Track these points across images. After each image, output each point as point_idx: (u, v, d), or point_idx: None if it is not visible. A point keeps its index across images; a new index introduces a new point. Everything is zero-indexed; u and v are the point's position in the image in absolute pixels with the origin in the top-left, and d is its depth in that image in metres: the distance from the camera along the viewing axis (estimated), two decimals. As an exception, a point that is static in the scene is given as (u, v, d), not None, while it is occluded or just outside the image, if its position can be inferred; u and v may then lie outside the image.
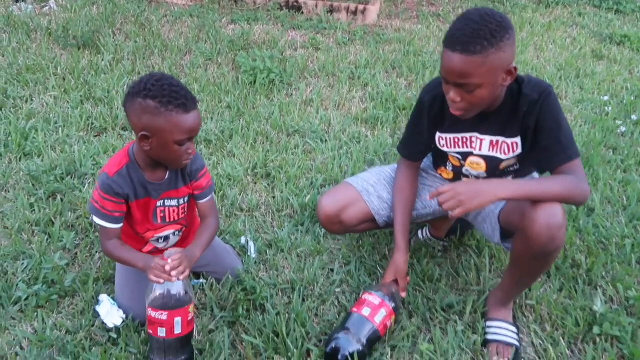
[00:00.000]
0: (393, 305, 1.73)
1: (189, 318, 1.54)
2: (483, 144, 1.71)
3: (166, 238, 1.75)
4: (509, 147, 1.68)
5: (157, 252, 1.74)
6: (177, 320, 1.51)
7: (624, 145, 2.97)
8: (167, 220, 1.69)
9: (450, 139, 1.76)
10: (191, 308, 1.55)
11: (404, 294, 1.81)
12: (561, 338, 1.79)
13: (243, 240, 2.11)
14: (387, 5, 5.16)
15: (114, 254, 1.62)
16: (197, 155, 1.68)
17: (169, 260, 1.49)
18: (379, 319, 1.68)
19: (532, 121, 1.58)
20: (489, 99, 1.53)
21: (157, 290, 1.51)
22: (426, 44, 4.29)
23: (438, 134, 1.79)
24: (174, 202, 1.68)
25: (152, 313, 1.51)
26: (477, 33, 1.41)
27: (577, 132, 3.07)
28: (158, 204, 1.65)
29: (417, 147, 1.89)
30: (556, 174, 1.57)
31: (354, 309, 1.70)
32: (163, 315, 1.49)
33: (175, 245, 1.79)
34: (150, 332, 1.53)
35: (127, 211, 1.63)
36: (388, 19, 4.85)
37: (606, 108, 3.40)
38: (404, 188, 1.89)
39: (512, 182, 1.57)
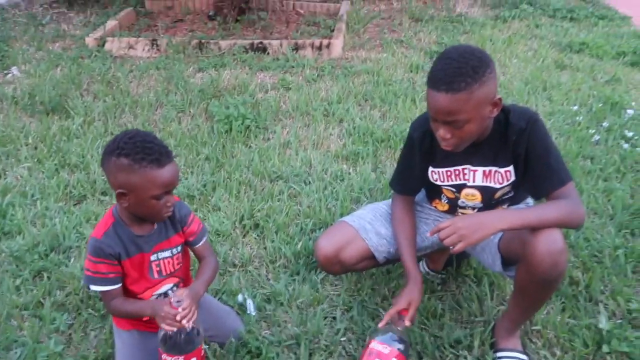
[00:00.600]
0: (402, 346, 1.69)
1: (202, 354, 1.60)
2: (476, 175, 1.72)
3: (166, 296, 1.70)
4: (502, 176, 1.69)
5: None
6: None
7: (600, 154, 3.02)
8: (164, 273, 1.67)
9: (443, 172, 1.77)
10: (203, 345, 1.60)
11: (408, 323, 1.72)
12: (572, 361, 1.79)
13: (240, 298, 2.07)
14: (350, 37, 5.23)
15: (120, 310, 1.61)
16: (181, 202, 1.70)
17: (180, 309, 1.49)
18: None
19: (522, 149, 1.60)
20: (477, 131, 1.57)
21: (170, 335, 1.51)
22: (394, 72, 4.35)
23: (430, 169, 1.80)
24: (167, 254, 1.66)
25: (167, 357, 1.53)
26: (459, 71, 1.44)
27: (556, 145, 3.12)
28: (152, 257, 1.63)
29: (410, 183, 1.90)
30: (550, 199, 1.59)
31: None
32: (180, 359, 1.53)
33: None
34: None
35: (123, 272, 1.60)
36: (353, 51, 4.91)
37: (577, 118, 3.47)
38: (403, 220, 1.89)
39: (510, 213, 1.59)
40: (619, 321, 1.94)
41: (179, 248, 1.69)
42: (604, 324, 1.89)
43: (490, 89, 1.50)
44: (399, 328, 1.71)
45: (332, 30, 5.23)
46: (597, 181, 2.77)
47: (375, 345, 1.68)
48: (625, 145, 3.10)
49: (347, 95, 3.88)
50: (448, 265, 2.22)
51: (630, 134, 3.20)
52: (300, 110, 3.67)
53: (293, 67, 4.50)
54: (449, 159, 1.74)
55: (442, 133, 1.57)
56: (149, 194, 1.47)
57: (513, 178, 1.69)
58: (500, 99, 1.54)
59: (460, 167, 1.74)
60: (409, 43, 5.07)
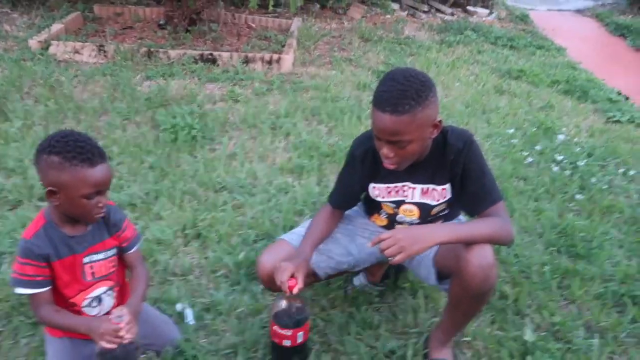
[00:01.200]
0: (303, 317, 1.78)
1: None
2: (415, 192, 1.80)
3: (99, 300, 1.69)
4: (439, 194, 1.77)
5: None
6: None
7: (532, 175, 3.19)
8: (97, 276, 1.65)
9: (383, 189, 1.84)
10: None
11: (296, 291, 1.68)
12: (498, 371, 1.88)
13: (179, 307, 2.07)
14: (301, 53, 5.31)
15: (51, 321, 1.58)
16: (115, 207, 1.70)
17: (122, 324, 1.49)
18: (300, 339, 1.78)
19: (459, 168, 1.69)
20: (419, 151, 1.64)
21: (107, 350, 1.50)
22: (342, 89, 4.44)
23: (372, 185, 1.86)
24: (101, 256, 1.65)
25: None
26: (403, 94, 1.50)
27: (489, 166, 3.26)
28: (85, 260, 1.61)
29: (346, 198, 1.96)
30: (482, 216, 1.67)
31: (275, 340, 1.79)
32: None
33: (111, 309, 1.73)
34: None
35: (53, 275, 1.58)
36: (303, 66, 4.99)
37: (513, 140, 3.65)
38: (323, 223, 1.93)
39: (447, 227, 1.67)
40: (544, 333, 2.05)
41: (113, 251, 1.68)
42: (529, 336, 2.00)
43: (432, 111, 1.56)
44: (297, 304, 1.76)
45: (283, 46, 5.29)
46: (528, 201, 2.92)
47: (278, 329, 1.77)
48: (556, 168, 3.28)
49: (295, 109, 3.94)
50: (386, 278, 2.28)
51: (560, 157, 3.40)
52: (247, 122, 3.70)
53: (242, 79, 4.53)
54: (390, 176, 1.81)
55: (385, 152, 1.63)
56: (79, 193, 1.47)
57: (449, 195, 1.78)
58: (440, 121, 1.61)
59: (400, 184, 1.81)
60: (358, 62, 5.19)
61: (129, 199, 2.74)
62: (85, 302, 1.65)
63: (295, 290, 1.66)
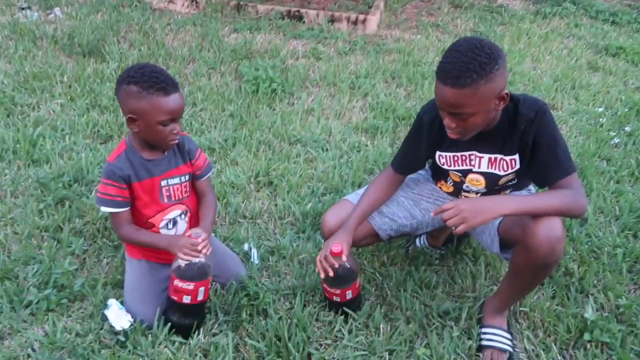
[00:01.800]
0: (351, 274, 1.83)
1: (209, 287, 1.77)
2: (482, 162, 1.78)
3: (175, 223, 1.83)
4: (507, 164, 1.74)
5: None
6: (201, 289, 1.72)
7: (617, 157, 3.04)
8: (173, 199, 1.80)
9: (449, 157, 1.83)
10: (211, 277, 1.76)
11: (345, 258, 1.79)
12: (553, 344, 1.86)
13: (246, 246, 2.18)
14: (387, 15, 5.24)
15: (132, 238, 1.75)
16: (189, 137, 1.85)
17: (199, 240, 1.67)
18: (350, 294, 1.86)
19: (530, 139, 1.64)
20: (483, 123, 1.61)
21: (184, 264, 1.67)
22: (425, 54, 4.37)
23: (438, 153, 1.85)
24: (176, 180, 1.80)
25: (180, 283, 1.68)
26: (466, 66, 1.47)
27: (571, 143, 3.14)
28: (162, 183, 1.76)
29: (410, 163, 1.96)
30: (554, 188, 1.63)
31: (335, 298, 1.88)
32: (190, 286, 1.68)
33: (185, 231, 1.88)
34: (175, 298, 1.71)
35: (133, 197, 1.73)
36: (388, 29, 4.93)
37: (600, 119, 3.48)
38: (380, 190, 1.95)
39: (513, 199, 1.62)
40: (606, 314, 2.00)
41: (187, 177, 1.82)
42: (589, 314, 1.95)
43: (497, 84, 1.51)
44: (346, 264, 1.80)
45: (370, 7, 5.24)
46: (609, 182, 2.79)
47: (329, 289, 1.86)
48: (644, 152, 3.11)
49: (375, 71, 3.93)
50: (448, 242, 2.29)
51: (651, 141, 3.21)
52: (327, 80, 3.74)
53: (326, 38, 4.55)
54: (456, 145, 1.79)
55: (447, 122, 1.62)
56: (155, 120, 1.60)
57: (518, 166, 1.74)
58: (507, 94, 1.57)
59: (467, 153, 1.79)
60: (445, 28, 5.06)
61: (208, 144, 2.88)
62: (162, 223, 1.80)
63: (343, 257, 1.78)
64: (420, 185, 2.04)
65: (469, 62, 1.47)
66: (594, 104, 3.73)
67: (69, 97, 3.28)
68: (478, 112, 1.55)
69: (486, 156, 1.76)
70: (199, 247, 1.66)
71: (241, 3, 5.00)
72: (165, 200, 1.78)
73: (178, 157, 1.80)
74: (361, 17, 4.84)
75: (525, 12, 5.82)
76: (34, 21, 4.47)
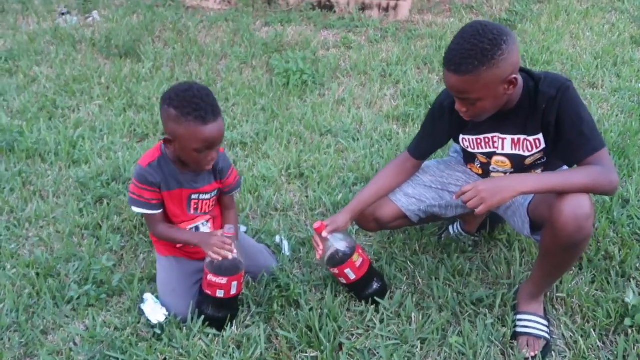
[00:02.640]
0: (347, 251, 1.84)
1: (242, 281, 1.79)
2: (505, 143, 1.74)
3: (197, 229, 1.87)
4: (531, 144, 1.70)
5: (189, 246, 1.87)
6: (234, 284, 1.75)
7: (662, 134, 2.91)
8: (200, 211, 1.84)
9: (473, 140, 1.80)
10: (244, 272, 1.79)
11: (325, 234, 1.82)
12: (592, 330, 1.81)
13: (277, 239, 2.20)
14: (420, 0, 5.15)
15: (166, 235, 1.80)
16: (224, 155, 1.85)
17: (231, 235, 1.71)
18: (358, 263, 1.86)
19: (552, 117, 1.60)
20: (493, 107, 1.60)
21: (217, 262, 1.71)
22: (458, 37, 4.28)
23: (461, 136, 1.83)
24: (206, 196, 1.84)
25: (213, 278, 1.72)
26: (467, 53, 1.46)
27: (612, 122, 3.03)
28: (193, 196, 1.80)
29: (428, 148, 1.94)
30: (583, 165, 1.59)
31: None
32: (223, 280, 1.72)
33: None
34: (209, 292, 1.75)
35: (164, 201, 1.78)
36: (420, 14, 4.86)
37: (644, 96, 3.34)
38: (391, 175, 1.94)
39: (533, 177, 1.60)
40: (649, 299, 1.93)
41: (216, 192, 1.87)
42: (631, 298, 1.89)
43: (503, 70, 1.49)
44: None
45: (402, -8, 5.17)
46: (653, 161, 2.68)
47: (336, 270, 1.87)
48: (691, 128, 2.96)
49: (407, 57, 3.88)
50: (482, 228, 2.25)
51: (699, 118, 3.06)
52: (358, 69, 3.72)
53: (357, 26, 4.52)
54: (478, 128, 1.77)
55: (457, 106, 1.64)
56: (191, 147, 1.60)
57: (543, 145, 1.70)
58: (515, 78, 1.54)
59: (489, 135, 1.76)
60: (480, 9, 4.94)
61: (240, 138, 2.92)
62: (187, 229, 1.85)
63: (323, 233, 1.81)
64: (451, 168, 2.02)
65: (470, 48, 1.46)
66: (637, 80, 3.57)
67: (106, 98, 3.38)
68: (485, 97, 1.54)
69: (509, 137, 1.73)
70: (229, 242, 1.69)
71: (272, -4, 5.02)
72: (192, 212, 1.83)
73: (211, 175, 1.82)
74: (392, 3, 4.78)
75: (565, -13, 5.61)
76: (73, 25, 4.62)
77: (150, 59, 3.89)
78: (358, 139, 2.93)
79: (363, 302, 1.92)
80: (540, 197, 1.71)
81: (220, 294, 1.74)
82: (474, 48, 1.46)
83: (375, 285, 1.91)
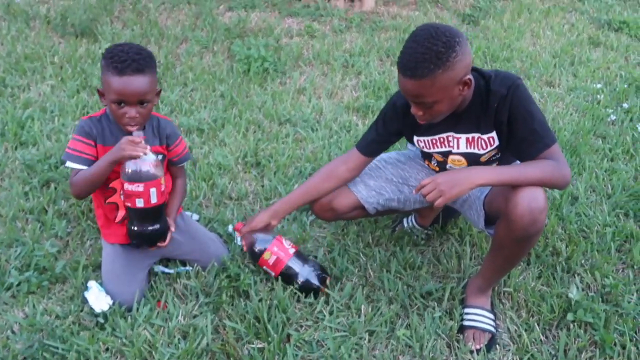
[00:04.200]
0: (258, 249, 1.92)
1: (162, 189, 1.70)
2: (460, 142, 1.75)
3: None
4: (485, 142, 1.72)
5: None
6: (152, 190, 1.67)
7: (612, 134, 2.99)
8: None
9: (428, 141, 1.81)
10: (163, 180, 1.71)
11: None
12: (536, 324, 1.85)
13: (230, 228, 2.17)
14: (386, -9, 5.15)
15: (82, 179, 1.66)
16: (171, 123, 1.85)
17: (141, 139, 1.61)
18: (271, 261, 1.91)
19: (504, 115, 1.62)
20: (449, 108, 1.61)
21: (131, 167, 1.63)
22: (422, 31, 4.29)
23: (416, 137, 1.84)
24: None
25: (129, 187, 1.64)
26: (422, 57, 1.46)
27: (566, 121, 3.10)
28: None
29: (380, 146, 1.92)
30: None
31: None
32: (139, 187, 1.64)
33: None
34: (129, 204, 1.67)
35: (96, 157, 1.70)
36: (385, 6, 4.85)
37: (598, 96, 3.42)
38: (332, 177, 1.93)
39: (490, 169, 1.63)
40: (592, 294, 1.98)
41: (160, 156, 1.78)
42: (574, 294, 1.93)
43: (457, 71, 1.50)
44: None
45: (369, -17, 5.15)
46: (602, 160, 2.75)
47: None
48: (641, 128, 3.05)
49: (370, 49, 3.87)
50: (435, 222, 2.27)
51: (648, 118, 3.15)
52: (320, 58, 3.69)
53: (322, 15, 4.49)
54: (432, 128, 1.77)
55: (414, 110, 1.63)
56: (109, 97, 1.60)
57: (497, 143, 1.71)
58: (469, 79, 1.55)
59: (444, 135, 1.77)
60: (444, 4, 4.97)
61: (197, 124, 2.86)
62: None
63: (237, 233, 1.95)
64: (411, 162, 2.02)
65: (424, 52, 1.46)
66: (592, 80, 3.66)
67: (59, 79, 3.27)
68: (441, 100, 1.55)
69: (463, 136, 1.74)
70: (141, 143, 1.59)
71: (237, -20, 4.93)
72: None
73: (155, 137, 1.78)
74: (358, -7, 4.77)
75: (528, -14, 5.69)
76: (27, 1, 4.44)
77: (108, 39, 3.77)
78: (317, 129, 2.91)
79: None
80: (496, 190, 1.73)
81: (140, 203, 1.66)
82: (428, 51, 1.46)
83: (297, 284, 1.89)
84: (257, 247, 1.90)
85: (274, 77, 3.42)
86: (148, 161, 1.64)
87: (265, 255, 1.88)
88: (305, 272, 1.90)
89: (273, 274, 1.91)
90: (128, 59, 1.55)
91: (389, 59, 3.80)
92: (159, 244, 1.78)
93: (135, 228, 1.72)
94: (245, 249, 1.93)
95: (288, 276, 1.90)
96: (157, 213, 1.73)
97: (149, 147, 1.63)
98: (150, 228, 1.73)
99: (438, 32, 1.48)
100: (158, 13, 4.33)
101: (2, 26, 3.96)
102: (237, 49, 3.59)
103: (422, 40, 1.47)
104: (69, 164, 1.68)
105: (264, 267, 1.91)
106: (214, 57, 3.66)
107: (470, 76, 1.55)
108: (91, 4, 4.35)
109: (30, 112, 2.87)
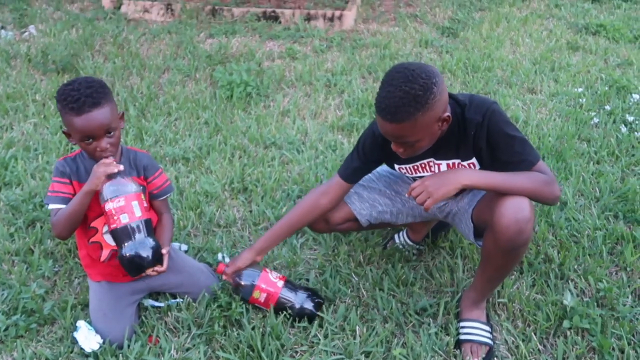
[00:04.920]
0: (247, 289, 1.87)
1: (145, 205, 1.68)
2: (441, 168, 1.76)
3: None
4: (466, 168, 1.72)
5: (115, 254, 1.74)
6: (134, 203, 1.63)
7: (597, 137, 3.00)
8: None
9: (409, 167, 1.83)
10: (143, 196, 1.69)
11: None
12: (533, 333, 1.83)
13: (220, 256, 2.15)
14: (365, 9, 5.20)
15: (62, 216, 1.65)
16: (147, 155, 1.84)
17: (111, 160, 1.62)
18: (262, 298, 1.87)
19: (483, 142, 1.63)
20: (429, 144, 1.64)
21: (109, 185, 1.61)
22: (402, 46, 4.33)
23: (397, 166, 1.86)
24: None
25: (111, 204, 1.61)
26: (401, 102, 1.46)
27: (551, 126, 3.11)
28: None
29: (363, 173, 1.91)
30: None
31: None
32: (121, 201, 1.61)
33: None
34: (115, 225, 1.61)
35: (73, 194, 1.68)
36: (365, 23, 4.89)
37: (580, 100, 3.44)
38: (314, 210, 1.90)
39: (478, 172, 1.63)
40: (587, 299, 1.97)
41: (139, 187, 1.74)
42: (569, 300, 1.92)
43: (436, 110, 1.51)
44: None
45: (347, 2, 5.20)
46: (588, 163, 2.76)
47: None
48: (624, 130, 3.07)
49: (351, 67, 3.89)
50: (426, 236, 2.26)
51: (631, 119, 3.17)
52: (303, 80, 3.70)
53: (303, 37, 4.51)
54: (412, 157, 1.75)
55: (395, 148, 1.64)
56: (76, 137, 1.60)
57: (478, 168, 1.72)
58: (448, 116, 1.57)
59: (425, 161, 1.78)
60: (423, 18, 5.02)
61: (182, 153, 2.85)
62: (105, 228, 1.73)
63: (223, 276, 1.88)
64: (403, 176, 2.02)
65: (403, 96, 1.46)
66: (573, 84, 3.69)
67: (42, 116, 3.25)
68: (422, 138, 1.57)
69: (444, 162, 1.75)
70: (107, 156, 1.61)
71: (216, 7, 4.97)
72: None
73: (132, 169, 1.77)
74: (337, 13, 4.80)
75: (505, -5, 5.76)
76: (8, 40, 4.44)
77: (89, 73, 3.77)
78: (302, 151, 2.91)
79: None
80: (484, 202, 1.73)
81: (124, 218, 1.61)
82: (406, 95, 1.45)
83: (294, 312, 1.87)
84: (244, 282, 1.86)
85: (257, 101, 3.43)
86: (125, 177, 1.64)
87: (255, 295, 1.85)
88: (299, 300, 1.88)
89: (266, 307, 1.87)
90: (81, 96, 1.54)
91: (371, 75, 3.82)
92: (157, 268, 1.68)
93: (126, 252, 1.62)
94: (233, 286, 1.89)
95: (283, 308, 1.87)
96: (146, 228, 1.66)
97: (121, 165, 1.63)
98: (141, 249, 1.63)
99: (414, 74, 1.47)
100: (139, 44, 4.35)
101: (-18, 67, 3.95)
102: (219, 75, 3.59)
103: (399, 83, 1.47)
104: (51, 206, 1.67)
105: (256, 304, 1.88)
106: (197, 84, 3.67)
107: (448, 113, 1.57)
108: (72, 39, 4.36)
109: (14, 152, 2.85)
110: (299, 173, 2.71)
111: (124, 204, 1.61)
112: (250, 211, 2.45)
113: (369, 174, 2.00)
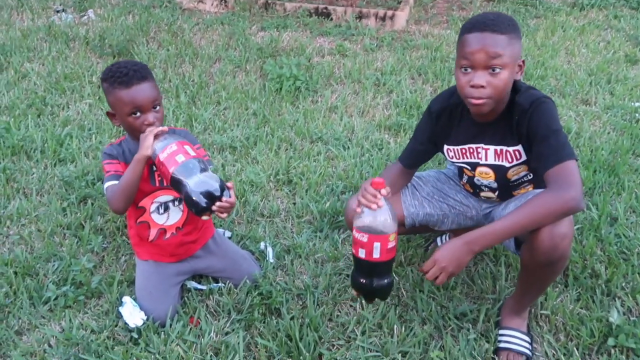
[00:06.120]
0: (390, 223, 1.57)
1: (389, 246, 1.55)
2: (488, 154, 1.74)
3: (166, 208, 1.82)
4: (512, 155, 1.71)
5: (162, 233, 1.83)
6: (376, 245, 1.52)
7: (653, 153, 2.91)
8: (165, 183, 1.74)
9: (457, 150, 1.80)
10: (392, 237, 1.55)
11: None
12: (575, 348, 1.79)
13: (262, 245, 2.18)
14: (417, 11, 5.16)
15: (117, 189, 1.68)
16: (187, 131, 1.90)
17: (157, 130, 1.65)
18: (390, 245, 1.57)
19: (524, 129, 1.62)
20: (505, 87, 1.57)
21: (158, 142, 1.62)
22: (453, 49, 4.27)
23: (446, 146, 1.83)
24: None
25: (163, 153, 1.61)
26: (499, 19, 1.55)
27: (604, 140, 3.03)
28: (154, 168, 1.76)
29: (418, 156, 1.92)
30: (546, 177, 1.55)
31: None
32: (173, 147, 1.61)
33: (182, 231, 1.86)
34: (173, 168, 1.58)
35: None
36: (417, 25, 4.86)
37: (636, 114, 3.34)
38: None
39: (484, 232, 1.56)
40: (634, 318, 1.91)
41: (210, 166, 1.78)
42: (615, 318, 1.87)
43: (519, 48, 1.58)
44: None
45: (400, 2, 5.17)
46: (642, 180, 2.68)
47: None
48: (682, 148, 2.96)
49: (401, 67, 3.87)
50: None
51: (689, 137, 3.05)
52: (352, 77, 3.71)
53: (353, 35, 4.51)
54: (462, 137, 1.77)
55: (477, 80, 1.53)
56: (123, 112, 1.65)
57: (524, 157, 1.69)
58: (523, 62, 1.61)
59: (473, 145, 1.76)
60: (476, 22, 4.94)
61: (230, 142, 2.89)
62: (153, 207, 1.80)
63: (383, 191, 1.54)
64: (449, 182, 2.02)
65: (499, 14, 1.57)
66: (630, 98, 3.57)
67: (97, 97, 3.35)
68: (507, 67, 1.54)
69: (492, 148, 1.73)
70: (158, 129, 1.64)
71: (269, 1, 5.01)
72: (157, 183, 1.79)
73: None
74: (389, 13, 4.78)
75: (562, 4, 5.63)
76: (67, 23, 4.59)
77: (144, 59, 3.86)
78: (348, 147, 2.91)
79: (346, 313, 1.89)
80: None
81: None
82: (501, 15, 1.57)
83: (387, 280, 1.61)
84: (388, 219, 1.54)
85: (305, 96, 3.45)
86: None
87: (391, 237, 1.55)
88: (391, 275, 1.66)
89: (378, 256, 1.55)
90: (129, 71, 1.63)
91: (421, 77, 3.79)
92: (226, 198, 1.58)
93: (194, 186, 1.55)
94: (374, 208, 1.53)
95: (385, 268, 1.60)
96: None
97: (166, 127, 1.67)
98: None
99: (501, 14, 1.60)
100: (192, 33, 4.43)
101: (43, 47, 4.09)
102: (269, 68, 3.63)
103: (490, 14, 1.58)
104: (107, 183, 1.73)
105: (375, 244, 1.54)
106: (247, 76, 3.71)
107: (523, 59, 1.62)
108: (128, 25, 4.47)
109: (69, 130, 2.94)
110: (343, 169, 2.71)
111: (177, 148, 1.60)
112: (294, 203, 2.47)
113: (415, 179, 1.99)
